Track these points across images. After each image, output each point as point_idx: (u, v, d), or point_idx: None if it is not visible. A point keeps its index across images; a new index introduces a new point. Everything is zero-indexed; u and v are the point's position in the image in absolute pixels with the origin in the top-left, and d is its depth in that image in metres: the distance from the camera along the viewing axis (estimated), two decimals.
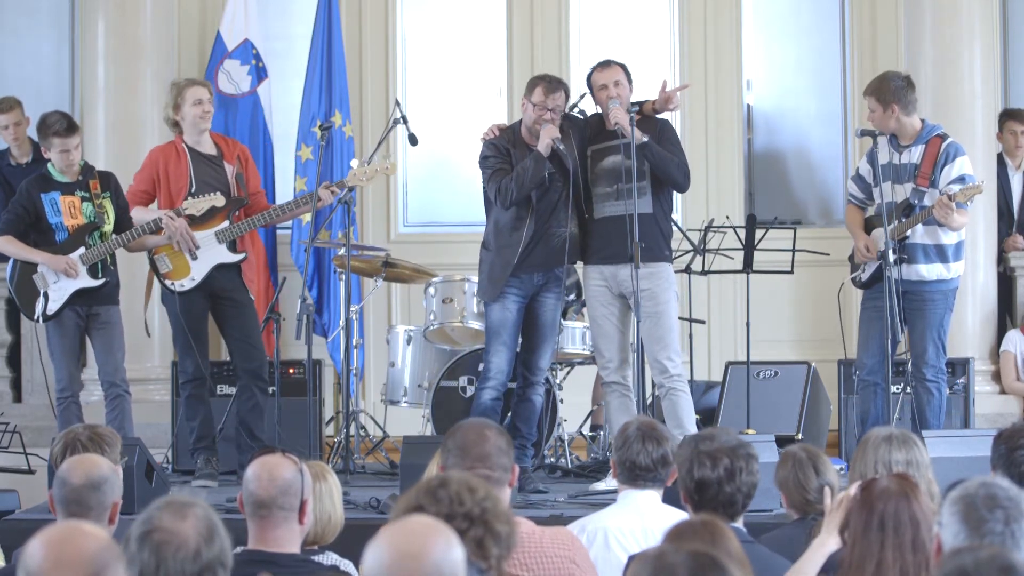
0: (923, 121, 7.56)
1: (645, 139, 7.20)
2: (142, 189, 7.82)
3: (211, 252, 7.72)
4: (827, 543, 4.11)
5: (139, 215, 7.74)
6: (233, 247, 7.77)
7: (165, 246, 7.70)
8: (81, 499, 4.10)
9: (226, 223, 7.72)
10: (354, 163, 7.99)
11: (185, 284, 7.72)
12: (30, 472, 7.88)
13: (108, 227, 7.63)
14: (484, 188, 7.45)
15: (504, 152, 7.36)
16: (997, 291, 9.37)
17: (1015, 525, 3.13)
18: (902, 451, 4.42)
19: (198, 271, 7.72)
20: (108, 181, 7.72)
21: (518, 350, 7.55)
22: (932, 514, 3.65)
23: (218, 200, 7.64)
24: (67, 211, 7.61)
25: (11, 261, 7.75)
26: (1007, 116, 9.62)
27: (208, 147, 7.84)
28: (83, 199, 7.62)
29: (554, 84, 7.32)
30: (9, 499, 7.61)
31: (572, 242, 7.38)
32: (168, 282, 7.74)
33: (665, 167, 7.27)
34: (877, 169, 7.49)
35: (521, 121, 7.44)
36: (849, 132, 10.17)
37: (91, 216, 7.61)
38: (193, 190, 7.71)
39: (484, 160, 7.41)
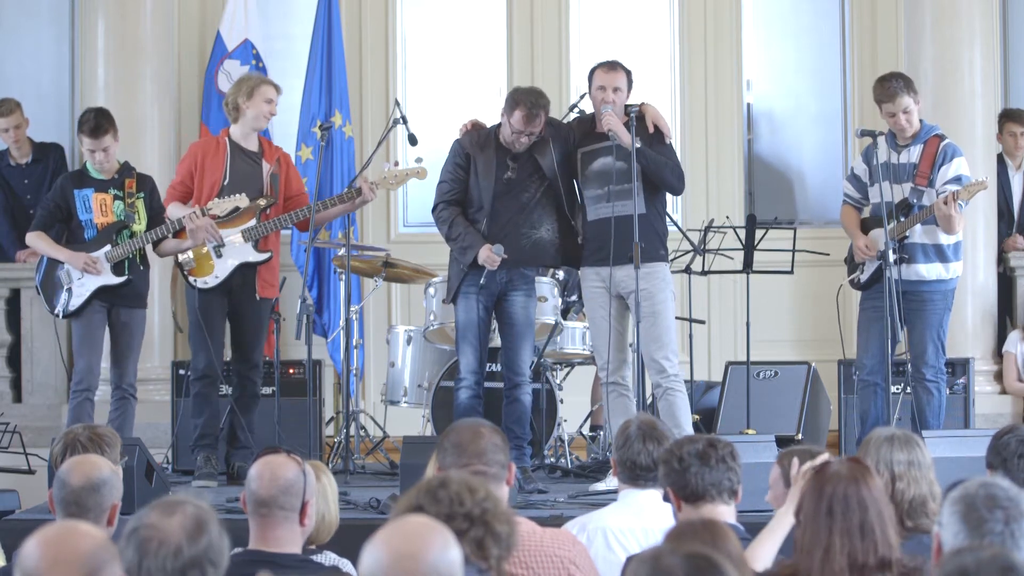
0: (921, 121, 7.57)
1: (638, 145, 7.21)
2: (179, 181, 7.88)
3: (237, 251, 7.73)
4: (789, 516, 4.16)
5: (173, 211, 7.77)
6: (259, 246, 7.79)
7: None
8: (80, 500, 4.10)
9: (253, 221, 7.74)
10: (387, 165, 8.01)
11: (208, 281, 7.74)
12: (30, 472, 7.88)
13: (139, 227, 7.65)
14: None
15: (463, 164, 7.48)
16: (997, 291, 9.37)
17: (1015, 525, 3.13)
18: (904, 451, 4.42)
19: (222, 269, 7.73)
20: (145, 183, 7.75)
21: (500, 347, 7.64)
22: (884, 498, 3.66)
23: (241, 201, 7.66)
24: (98, 208, 7.64)
25: (41, 256, 7.79)
26: (1006, 117, 9.61)
27: (252, 144, 7.87)
28: (115, 197, 7.65)
29: (535, 111, 7.31)
30: (9, 499, 7.61)
31: (543, 246, 7.43)
32: (191, 279, 7.76)
33: (659, 171, 7.29)
34: (875, 168, 7.50)
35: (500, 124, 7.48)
36: (849, 132, 10.17)
37: (121, 215, 7.63)
38: (227, 183, 7.73)
39: (444, 168, 7.61)
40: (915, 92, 7.49)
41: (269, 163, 7.86)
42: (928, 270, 7.44)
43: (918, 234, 7.42)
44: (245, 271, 7.79)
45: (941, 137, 7.53)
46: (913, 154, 7.45)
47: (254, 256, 7.77)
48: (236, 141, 7.84)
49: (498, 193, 7.42)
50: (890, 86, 7.50)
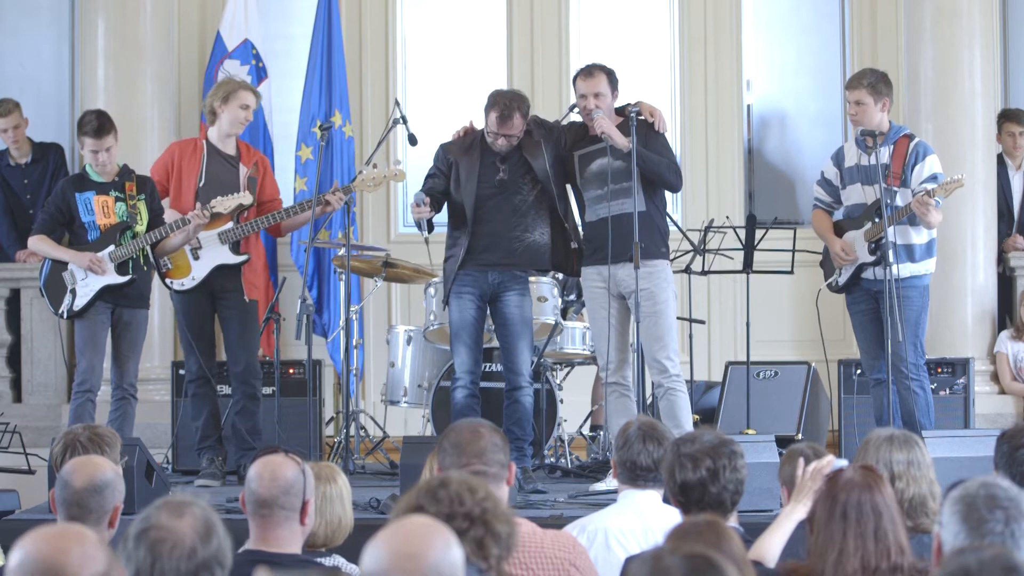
0: (891, 123, 7.59)
1: (631, 146, 7.20)
2: (156, 180, 7.89)
3: (213, 252, 7.74)
4: (795, 512, 4.27)
5: None
6: (236, 248, 7.80)
7: None
8: (82, 502, 4.09)
9: (230, 224, 7.75)
10: (365, 169, 8.00)
11: (185, 283, 7.76)
12: (30, 472, 7.87)
13: (140, 228, 7.67)
14: None
15: (444, 170, 7.48)
16: (997, 291, 9.37)
17: (1015, 525, 3.13)
18: (903, 451, 4.42)
19: (199, 271, 7.75)
20: (145, 185, 7.76)
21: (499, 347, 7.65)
22: (897, 505, 3.70)
23: (245, 198, 7.68)
24: (100, 210, 7.65)
25: (43, 258, 7.80)
26: (1004, 118, 9.61)
27: (230, 148, 7.90)
28: (117, 199, 7.66)
29: (507, 112, 7.32)
30: (9, 499, 7.60)
31: (537, 249, 7.44)
32: (168, 281, 7.78)
33: (655, 169, 7.26)
34: (845, 171, 7.56)
35: None
36: (849, 132, 10.15)
37: (123, 216, 7.65)
38: (202, 184, 7.76)
39: (429, 170, 7.60)
40: (880, 94, 7.46)
41: (247, 166, 7.88)
42: (901, 268, 7.43)
43: (890, 235, 7.41)
44: (226, 273, 7.79)
45: (910, 137, 7.57)
46: (883, 155, 7.46)
47: (231, 258, 7.78)
48: (213, 144, 7.86)
49: (489, 195, 7.41)
50: (857, 76, 7.60)
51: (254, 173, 7.88)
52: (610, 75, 7.37)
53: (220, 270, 7.78)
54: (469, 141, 7.51)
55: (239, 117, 7.84)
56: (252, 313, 7.94)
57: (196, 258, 7.74)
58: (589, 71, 7.40)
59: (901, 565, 3.58)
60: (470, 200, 7.40)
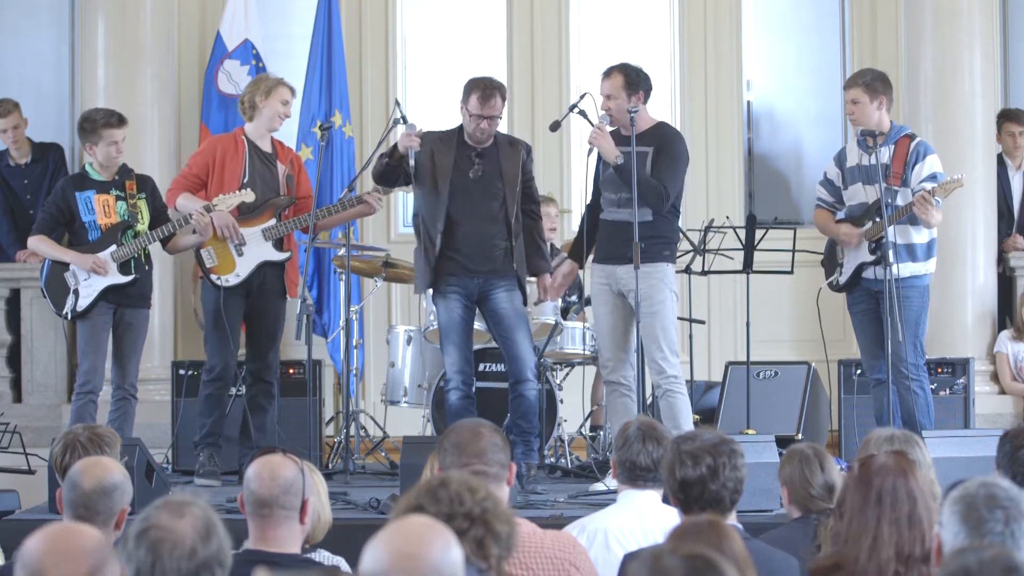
0: (892, 123, 7.60)
1: (619, 161, 7.19)
2: (195, 173, 7.89)
3: (257, 249, 7.77)
4: None
5: (185, 202, 7.78)
6: (280, 245, 7.82)
7: (211, 240, 7.73)
8: (90, 504, 4.09)
9: (273, 221, 7.77)
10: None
11: (230, 279, 7.76)
12: (30, 472, 7.87)
13: (142, 227, 7.69)
14: None
15: (425, 152, 7.43)
16: (997, 291, 9.37)
17: (1015, 525, 3.13)
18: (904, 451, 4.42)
19: (243, 267, 7.76)
20: (145, 183, 7.78)
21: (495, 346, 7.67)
22: (929, 491, 3.68)
23: (247, 196, 7.68)
24: (101, 209, 7.66)
25: (45, 259, 7.79)
26: (1004, 118, 9.60)
27: (266, 145, 7.92)
28: (118, 198, 7.67)
29: (489, 91, 7.34)
30: (9, 499, 7.60)
31: (510, 257, 7.45)
32: (213, 276, 7.77)
33: (638, 188, 7.20)
34: (847, 171, 7.57)
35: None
36: (849, 132, 10.16)
37: (124, 215, 7.66)
38: (246, 180, 7.75)
39: None
40: (876, 92, 7.48)
41: (283, 164, 7.90)
42: (902, 268, 7.44)
43: (890, 234, 7.42)
44: (267, 270, 7.82)
45: (911, 137, 7.59)
46: (883, 155, 7.47)
47: (275, 255, 7.81)
48: (253, 140, 7.86)
49: (463, 189, 7.39)
50: (854, 75, 7.64)
51: (291, 171, 7.91)
52: (628, 75, 7.30)
53: (263, 267, 7.79)
54: (446, 136, 7.54)
55: (279, 112, 7.87)
56: (284, 311, 7.95)
57: (240, 254, 7.75)
58: (607, 72, 7.37)
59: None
60: (444, 185, 7.37)
